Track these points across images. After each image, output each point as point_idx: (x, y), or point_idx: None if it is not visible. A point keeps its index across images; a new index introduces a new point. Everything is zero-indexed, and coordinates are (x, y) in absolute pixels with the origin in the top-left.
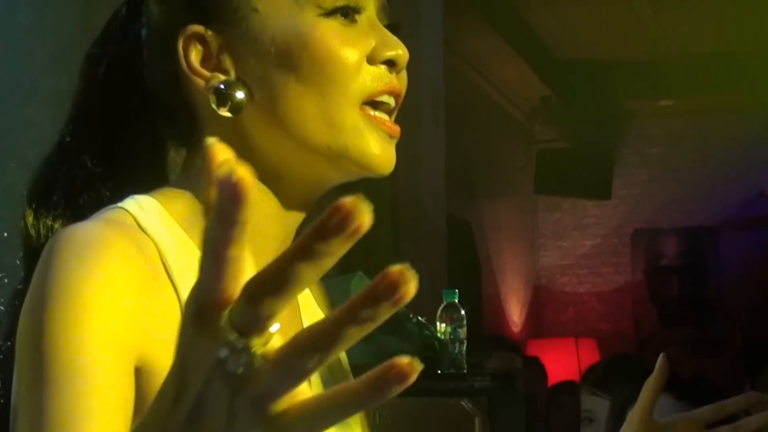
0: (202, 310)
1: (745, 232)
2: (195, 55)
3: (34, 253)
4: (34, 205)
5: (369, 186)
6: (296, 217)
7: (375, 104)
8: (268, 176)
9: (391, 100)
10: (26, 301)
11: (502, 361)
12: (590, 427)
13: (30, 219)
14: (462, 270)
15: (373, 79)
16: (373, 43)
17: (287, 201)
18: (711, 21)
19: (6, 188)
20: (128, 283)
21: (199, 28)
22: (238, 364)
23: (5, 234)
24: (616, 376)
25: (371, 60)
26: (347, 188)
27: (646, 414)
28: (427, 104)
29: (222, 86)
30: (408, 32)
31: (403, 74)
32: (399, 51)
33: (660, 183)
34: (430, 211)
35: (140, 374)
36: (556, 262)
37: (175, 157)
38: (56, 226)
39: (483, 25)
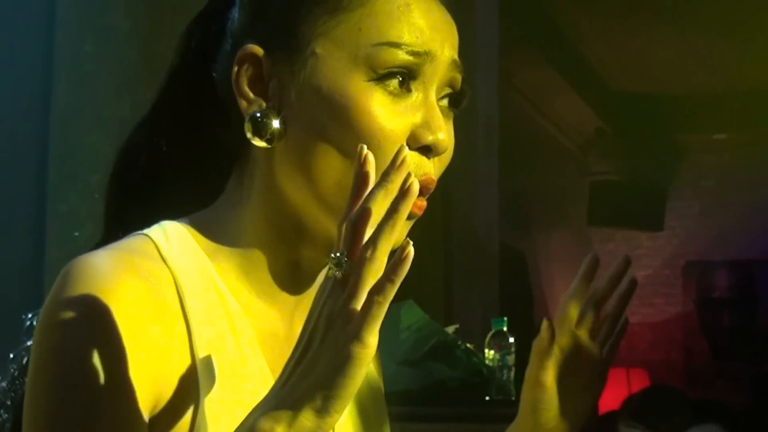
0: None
1: None
2: (246, 75)
3: (113, 235)
4: (118, 178)
5: (423, 214)
6: (313, 274)
7: None
8: (286, 222)
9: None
10: (36, 332)
11: None
12: None
13: (112, 190)
14: (514, 299)
15: (413, 168)
16: (418, 121)
17: (304, 255)
18: (764, 55)
19: (69, 212)
20: (137, 330)
21: (258, 50)
22: (339, 270)
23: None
24: (653, 407)
25: (412, 140)
26: None
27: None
28: (481, 135)
29: (258, 114)
30: (464, 65)
31: (445, 156)
32: (439, 136)
33: (711, 216)
34: (482, 241)
35: (154, 421)
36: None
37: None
38: (134, 201)
39: (538, 59)
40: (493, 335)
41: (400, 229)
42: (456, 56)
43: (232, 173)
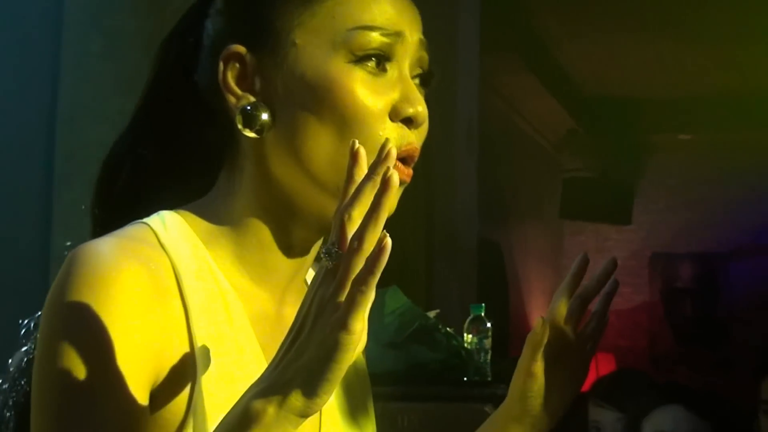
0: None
1: (754, 259)
2: (232, 73)
3: (100, 232)
4: (102, 189)
5: (404, 208)
6: (304, 256)
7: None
8: (279, 206)
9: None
10: (43, 318)
11: None
12: None
13: (98, 200)
14: (491, 287)
15: (397, 139)
16: (396, 97)
17: (296, 237)
18: (730, 60)
19: (73, 202)
20: (138, 311)
21: (240, 49)
22: (331, 260)
23: (68, 243)
24: (620, 389)
25: (393, 114)
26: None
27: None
28: (462, 135)
29: (249, 108)
30: (446, 69)
31: (424, 126)
32: (419, 109)
33: (677, 211)
34: (462, 233)
35: (154, 396)
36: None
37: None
38: (119, 211)
39: (516, 63)
40: (472, 320)
41: (389, 209)
42: (422, 36)
43: (222, 167)
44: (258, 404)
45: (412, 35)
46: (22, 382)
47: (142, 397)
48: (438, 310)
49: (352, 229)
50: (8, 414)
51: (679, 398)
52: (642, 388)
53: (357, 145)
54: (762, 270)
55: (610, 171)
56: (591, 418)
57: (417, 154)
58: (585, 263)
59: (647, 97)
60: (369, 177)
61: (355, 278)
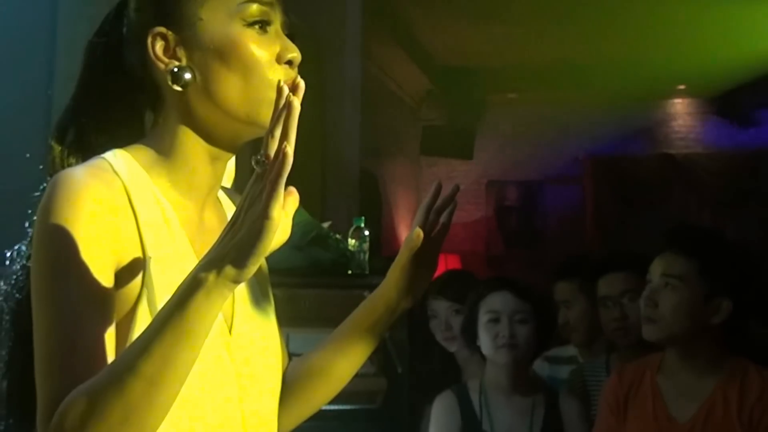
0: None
1: (563, 186)
2: (159, 48)
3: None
4: (56, 144)
5: (305, 148)
6: (221, 164)
7: None
8: (203, 133)
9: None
10: (35, 230)
11: None
12: (434, 321)
13: (55, 152)
14: (369, 205)
15: (285, 76)
16: (278, 48)
17: (214, 151)
18: (545, 36)
19: None
20: (103, 216)
21: (162, 29)
22: (259, 167)
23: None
24: (450, 285)
25: (278, 59)
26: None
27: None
28: (348, 94)
29: (176, 69)
30: (336, 44)
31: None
32: (295, 54)
33: (506, 150)
34: (348, 166)
35: (115, 278)
36: None
37: (149, 119)
38: (70, 159)
39: (389, 40)
40: (354, 229)
41: (295, 129)
42: (283, 6)
43: (154, 119)
44: (202, 273)
45: (280, 4)
46: (15, 292)
47: (107, 277)
48: (330, 222)
49: (273, 145)
50: (15, 307)
51: (507, 286)
52: (466, 282)
53: (281, 84)
54: (568, 194)
55: (457, 120)
56: (429, 308)
57: (300, 85)
58: (439, 188)
59: (485, 66)
60: (283, 106)
61: (269, 178)
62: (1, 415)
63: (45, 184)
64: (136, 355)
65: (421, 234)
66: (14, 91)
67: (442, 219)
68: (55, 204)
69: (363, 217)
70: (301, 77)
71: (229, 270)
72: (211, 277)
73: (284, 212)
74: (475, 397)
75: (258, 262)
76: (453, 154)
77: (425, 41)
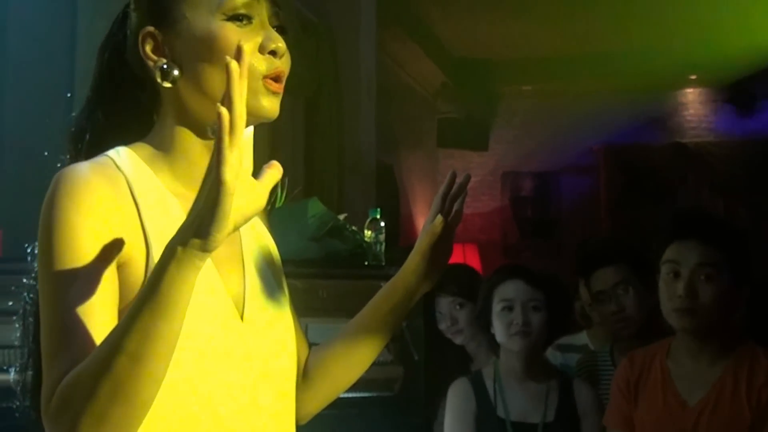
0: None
1: (577, 176)
2: (149, 46)
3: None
4: (72, 144)
5: (324, 140)
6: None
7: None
8: (195, 126)
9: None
10: (39, 224)
11: None
12: (439, 316)
13: (72, 152)
14: (385, 197)
15: (267, 66)
16: (260, 39)
17: (207, 142)
18: (560, 30)
19: None
20: (104, 209)
21: (151, 29)
22: (215, 135)
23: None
24: (450, 280)
25: (261, 49)
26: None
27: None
28: (364, 87)
29: (164, 66)
30: (352, 39)
31: (286, 57)
32: (278, 44)
33: (521, 141)
34: (365, 158)
35: (120, 269)
36: None
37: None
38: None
39: (403, 34)
40: (371, 221)
41: (245, 98)
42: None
43: (155, 117)
44: (172, 246)
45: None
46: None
47: (110, 269)
48: (346, 214)
49: (222, 112)
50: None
51: (520, 274)
52: (465, 275)
53: (228, 59)
54: (582, 183)
55: (472, 112)
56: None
57: (284, 75)
58: (453, 178)
59: (499, 58)
60: (235, 74)
61: (215, 144)
62: (25, 407)
63: None
64: (118, 332)
65: (442, 223)
66: (35, 91)
67: (456, 206)
68: (58, 198)
69: (379, 209)
70: (317, 73)
71: (195, 240)
72: (180, 248)
73: (262, 182)
74: (489, 384)
75: (224, 229)
76: (468, 146)
77: (440, 35)
